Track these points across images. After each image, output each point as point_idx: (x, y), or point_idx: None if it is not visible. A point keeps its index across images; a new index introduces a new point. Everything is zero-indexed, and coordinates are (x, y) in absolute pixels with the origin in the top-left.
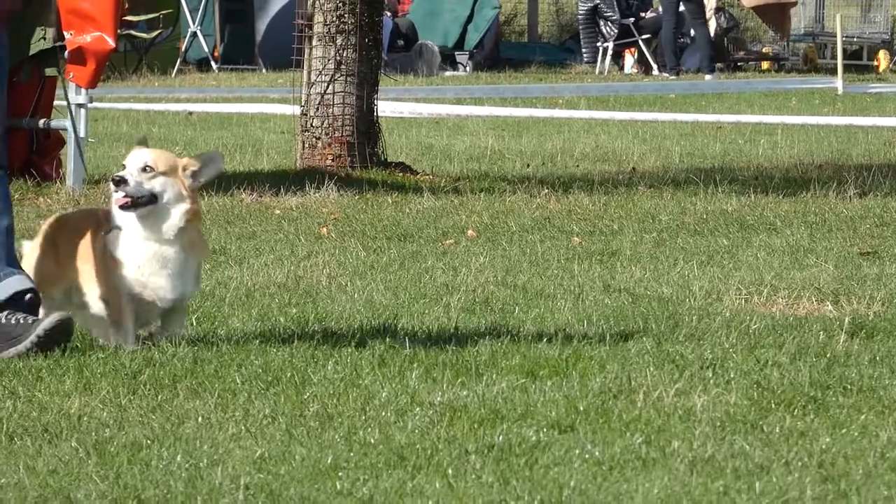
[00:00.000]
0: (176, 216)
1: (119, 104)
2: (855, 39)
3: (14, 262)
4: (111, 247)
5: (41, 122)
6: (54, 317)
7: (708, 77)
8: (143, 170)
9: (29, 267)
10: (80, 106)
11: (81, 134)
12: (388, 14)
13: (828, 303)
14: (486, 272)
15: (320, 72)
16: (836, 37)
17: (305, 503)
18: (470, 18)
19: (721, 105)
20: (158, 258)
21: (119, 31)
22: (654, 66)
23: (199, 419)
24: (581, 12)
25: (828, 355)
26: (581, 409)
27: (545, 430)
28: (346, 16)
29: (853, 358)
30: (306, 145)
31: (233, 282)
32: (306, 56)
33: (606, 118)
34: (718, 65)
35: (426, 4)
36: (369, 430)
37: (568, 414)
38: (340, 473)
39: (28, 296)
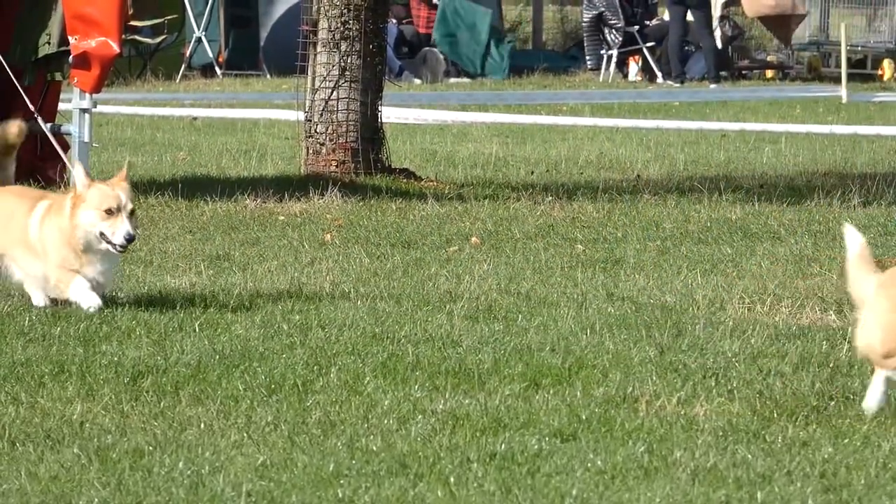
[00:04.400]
0: None
1: (123, 109)
2: (859, 48)
3: None
4: None
5: (46, 126)
6: None
7: (712, 86)
8: None
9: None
10: (84, 111)
11: (86, 139)
12: (394, 21)
13: (831, 312)
14: (489, 279)
15: (325, 78)
16: (840, 45)
17: None
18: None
19: (725, 113)
20: None
21: (124, 35)
22: (659, 74)
23: (202, 426)
24: (586, 20)
25: (831, 365)
26: (583, 417)
27: (547, 438)
28: (350, 22)
29: (856, 368)
30: (310, 151)
31: (236, 288)
32: (311, 62)
33: (611, 125)
34: (723, 73)
35: (444, 26)
36: (371, 437)
37: (570, 423)
38: (342, 481)
39: None
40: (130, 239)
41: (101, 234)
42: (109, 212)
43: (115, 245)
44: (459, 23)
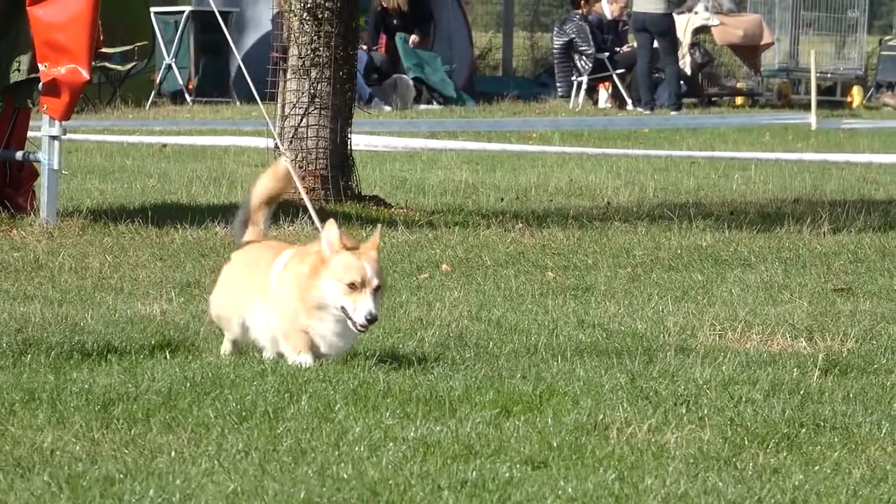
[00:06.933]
0: None
1: (93, 136)
2: (829, 75)
3: None
4: None
5: (17, 154)
6: None
7: (673, 113)
8: None
9: None
10: (53, 138)
11: (55, 166)
12: (363, 48)
13: (802, 339)
14: (460, 307)
15: (294, 105)
16: (810, 72)
17: None
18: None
19: (695, 140)
20: None
21: (94, 63)
22: (629, 101)
23: (173, 453)
24: (556, 46)
25: (801, 392)
26: (554, 444)
27: (518, 465)
28: (320, 49)
29: (827, 395)
30: None
31: (207, 315)
32: (280, 89)
33: (580, 153)
34: (692, 100)
35: (411, 56)
36: (342, 465)
37: (541, 450)
38: None
39: None
40: (372, 320)
41: (343, 308)
42: (353, 286)
43: (355, 324)
44: (419, 58)
